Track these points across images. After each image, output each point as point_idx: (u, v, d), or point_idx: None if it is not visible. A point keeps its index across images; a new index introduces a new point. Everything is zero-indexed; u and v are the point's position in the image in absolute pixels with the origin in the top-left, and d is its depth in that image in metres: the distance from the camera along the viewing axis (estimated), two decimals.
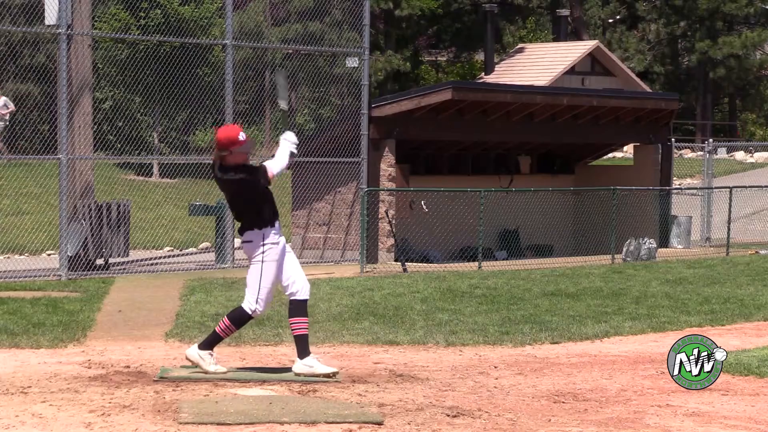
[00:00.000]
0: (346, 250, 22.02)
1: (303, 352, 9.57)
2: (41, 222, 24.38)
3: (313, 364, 9.54)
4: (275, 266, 9.53)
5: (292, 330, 9.67)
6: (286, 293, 9.68)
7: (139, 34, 29.76)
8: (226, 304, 14.39)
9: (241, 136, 9.47)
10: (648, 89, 47.56)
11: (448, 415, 8.26)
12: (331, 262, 21.76)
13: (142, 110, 32.66)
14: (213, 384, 9.25)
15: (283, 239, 9.64)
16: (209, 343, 9.67)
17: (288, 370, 9.78)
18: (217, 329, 9.69)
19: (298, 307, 9.61)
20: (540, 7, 56.01)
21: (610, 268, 20.81)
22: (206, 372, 9.55)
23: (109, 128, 31.42)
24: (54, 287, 16.66)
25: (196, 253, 24.36)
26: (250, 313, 9.56)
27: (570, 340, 12.43)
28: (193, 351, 9.68)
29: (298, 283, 9.59)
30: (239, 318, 9.64)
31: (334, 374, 9.51)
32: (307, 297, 9.65)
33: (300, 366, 9.56)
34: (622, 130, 25.70)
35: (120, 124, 31.71)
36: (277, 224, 9.58)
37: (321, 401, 8.62)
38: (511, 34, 56.13)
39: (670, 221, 25.47)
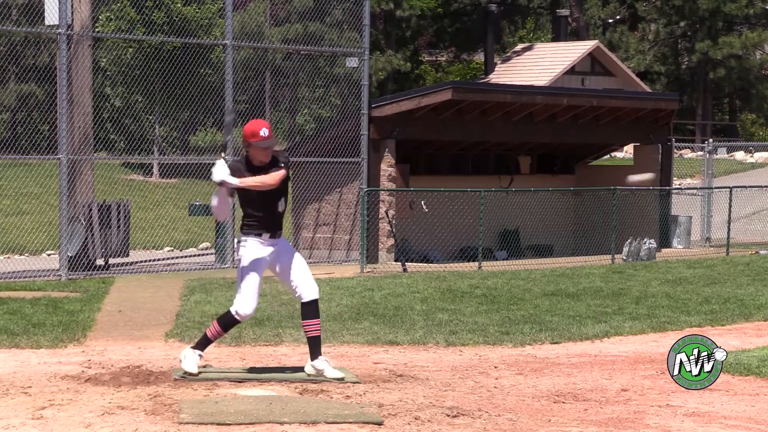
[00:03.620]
0: (347, 250, 22.02)
1: (314, 353, 9.58)
2: (41, 222, 24.40)
3: (323, 366, 9.54)
4: (255, 268, 9.46)
5: (305, 332, 9.70)
6: (295, 296, 9.69)
7: (141, 34, 29.78)
8: (226, 304, 14.38)
9: (264, 132, 9.46)
10: (648, 89, 47.58)
11: (448, 415, 8.26)
12: (331, 262, 21.76)
13: (145, 110, 32.70)
14: (213, 384, 9.25)
15: (277, 245, 9.56)
16: (200, 345, 9.64)
17: (289, 369, 9.80)
18: (207, 331, 9.69)
19: (307, 309, 9.61)
20: (540, 7, 56.05)
21: (610, 268, 20.81)
22: (182, 370, 9.50)
23: (112, 127, 31.45)
24: (54, 287, 16.66)
25: (196, 254, 24.37)
26: (233, 315, 9.56)
27: (570, 340, 12.43)
28: (186, 349, 9.69)
29: (303, 285, 9.58)
30: (225, 321, 9.62)
31: (341, 380, 9.47)
32: (316, 297, 9.61)
33: (309, 367, 9.58)
34: (622, 130, 25.69)
35: (127, 122, 31.75)
36: (265, 233, 9.51)
37: (321, 401, 8.62)
38: (511, 34, 56.17)
39: (670, 221, 25.46)
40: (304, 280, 9.56)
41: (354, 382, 9.41)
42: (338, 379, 9.44)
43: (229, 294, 15.39)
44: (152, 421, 7.88)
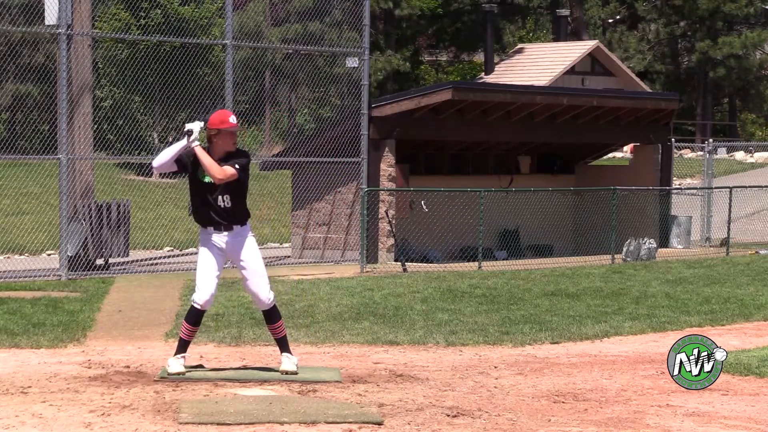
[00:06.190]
0: (347, 250, 22.02)
1: (283, 349, 9.73)
2: (41, 222, 24.38)
3: (282, 360, 9.68)
4: (206, 258, 9.57)
5: (272, 335, 9.80)
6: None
7: (139, 34, 29.77)
8: (226, 303, 14.41)
9: (232, 118, 9.50)
10: (648, 89, 47.56)
11: (448, 415, 8.26)
12: (332, 262, 21.76)
13: (142, 110, 32.68)
14: (213, 384, 9.25)
15: (231, 237, 9.55)
16: (179, 348, 9.63)
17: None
18: (180, 334, 9.73)
19: (268, 315, 9.71)
20: (540, 7, 56.03)
21: (610, 268, 20.81)
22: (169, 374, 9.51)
23: (108, 128, 31.42)
24: (54, 287, 16.66)
25: (196, 254, 24.33)
26: (192, 305, 9.63)
27: (570, 340, 12.43)
28: (169, 359, 9.71)
29: (257, 296, 9.61)
30: (188, 315, 9.69)
31: (294, 373, 9.51)
32: (267, 307, 9.62)
33: (287, 363, 9.68)
34: (622, 130, 25.69)
35: (120, 123, 31.73)
36: (211, 228, 9.56)
37: (321, 401, 8.62)
38: (511, 34, 56.14)
39: (670, 221, 25.46)
40: (259, 290, 9.57)
41: (336, 381, 9.43)
42: (292, 372, 9.50)
43: (228, 294, 15.39)
44: (152, 421, 7.88)
